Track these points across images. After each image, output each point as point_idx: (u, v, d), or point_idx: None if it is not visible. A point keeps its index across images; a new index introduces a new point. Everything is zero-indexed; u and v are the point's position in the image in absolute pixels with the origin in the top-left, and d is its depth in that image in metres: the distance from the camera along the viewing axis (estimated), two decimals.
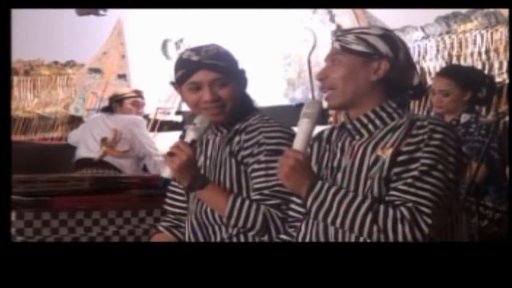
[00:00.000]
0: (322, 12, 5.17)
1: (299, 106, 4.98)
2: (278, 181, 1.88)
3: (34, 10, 6.08)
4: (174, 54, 5.89)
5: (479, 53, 4.37)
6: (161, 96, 5.92)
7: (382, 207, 1.75)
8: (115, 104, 5.07)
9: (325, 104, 1.95)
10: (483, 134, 3.25)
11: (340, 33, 1.92)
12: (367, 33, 1.88)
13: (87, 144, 4.95)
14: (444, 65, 4.42)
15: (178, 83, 2.16)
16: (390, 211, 1.74)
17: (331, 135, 1.97)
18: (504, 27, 4.25)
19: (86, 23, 6.48)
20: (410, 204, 1.73)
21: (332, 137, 1.96)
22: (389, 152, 1.80)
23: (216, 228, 2.14)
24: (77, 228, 2.91)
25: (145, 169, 4.98)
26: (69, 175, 3.55)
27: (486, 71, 4.19)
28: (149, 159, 4.93)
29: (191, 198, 2.23)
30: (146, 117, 5.42)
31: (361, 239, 1.78)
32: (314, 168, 1.95)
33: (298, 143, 1.83)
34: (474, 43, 4.40)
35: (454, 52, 4.49)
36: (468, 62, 4.36)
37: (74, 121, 6.60)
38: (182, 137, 2.28)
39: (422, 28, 4.63)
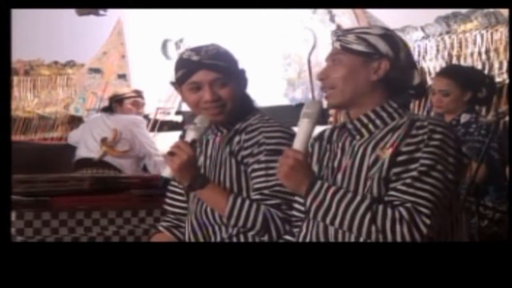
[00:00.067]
0: (322, 12, 5.17)
1: (299, 106, 4.98)
2: (278, 181, 1.88)
3: (34, 10, 6.08)
4: (174, 54, 5.89)
5: (479, 53, 4.37)
6: (161, 96, 5.92)
7: (381, 207, 1.75)
8: (115, 104, 5.07)
9: (325, 104, 1.95)
10: (483, 134, 3.25)
11: (341, 33, 1.92)
12: (368, 33, 1.88)
13: (87, 144, 4.95)
14: (444, 65, 4.42)
15: (178, 83, 2.16)
16: (389, 211, 1.74)
17: (332, 135, 1.98)
18: (504, 27, 4.25)
19: (86, 23, 6.48)
20: (408, 205, 1.73)
21: (333, 137, 1.97)
22: (388, 152, 1.80)
23: (216, 228, 2.14)
24: (77, 228, 2.91)
25: (145, 169, 4.97)
26: (69, 175, 3.55)
27: (486, 71, 4.19)
28: (149, 159, 4.93)
29: (191, 198, 2.23)
30: (146, 117, 5.42)
31: (361, 239, 1.78)
32: (315, 167, 1.95)
33: (298, 143, 1.83)
34: (474, 43, 4.40)
35: (454, 52, 4.49)
36: (468, 62, 4.36)
37: (74, 121, 6.60)
38: (182, 137, 2.28)
39: (422, 28, 4.63)
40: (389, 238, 1.73)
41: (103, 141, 4.85)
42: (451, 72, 3.53)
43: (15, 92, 6.93)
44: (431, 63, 4.57)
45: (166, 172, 2.04)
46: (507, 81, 4.17)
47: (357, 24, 4.73)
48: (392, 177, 1.78)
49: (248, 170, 2.10)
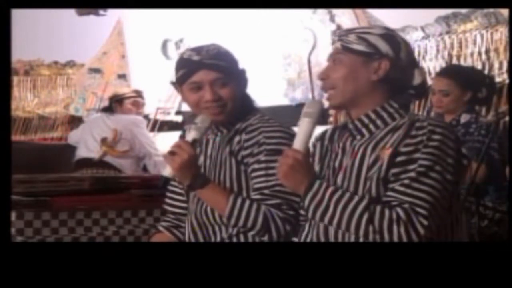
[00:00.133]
0: (322, 12, 5.17)
1: (299, 106, 5.01)
2: (278, 181, 1.88)
3: (34, 10, 6.08)
4: (174, 54, 5.89)
5: (479, 53, 4.37)
6: (161, 96, 5.92)
7: (378, 208, 1.75)
8: (115, 104, 5.06)
9: (326, 104, 1.95)
10: (483, 134, 3.25)
11: (342, 33, 1.92)
12: (369, 33, 1.88)
13: (87, 144, 4.95)
14: (444, 65, 4.42)
15: (178, 83, 2.16)
16: (386, 211, 1.74)
17: (334, 134, 1.98)
18: (504, 27, 4.26)
19: (86, 23, 6.48)
20: (406, 205, 1.73)
21: (334, 137, 1.97)
22: (388, 152, 1.80)
23: (216, 228, 2.14)
24: (77, 228, 2.91)
25: (145, 169, 4.97)
26: (69, 175, 3.55)
27: (486, 71, 4.19)
28: (149, 159, 4.93)
29: (191, 198, 2.23)
30: (146, 117, 5.42)
31: (360, 239, 1.78)
32: (317, 167, 1.95)
33: (298, 143, 1.83)
34: (474, 43, 4.41)
35: (454, 52, 4.50)
36: (468, 62, 4.37)
37: (74, 121, 6.60)
38: (182, 136, 2.29)
39: (422, 28, 4.63)
40: (386, 238, 1.73)
41: (103, 141, 4.85)
42: (451, 72, 3.53)
43: (15, 92, 6.93)
44: (431, 63, 4.57)
45: (167, 171, 2.04)
46: (507, 81, 4.17)
47: (357, 24, 4.73)
48: (390, 178, 1.78)
49: (248, 170, 2.10)
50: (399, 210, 1.73)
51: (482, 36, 4.37)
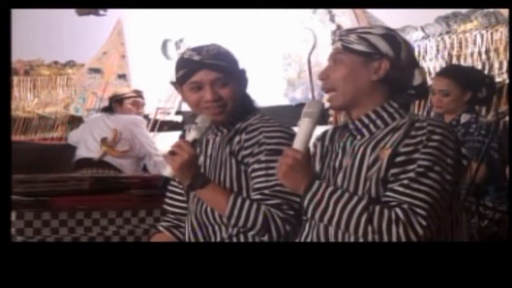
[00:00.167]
0: (322, 12, 5.17)
1: (299, 106, 5.01)
2: (279, 181, 1.88)
3: (34, 10, 6.08)
4: (174, 54, 5.89)
5: (479, 53, 4.37)
6: (161, 96, 5.92)
7: (377, 208, 1.75)
8: (115, 104, 5.06)
9: (326, 104, 1.95)
10: (483, 134, 3.25)
11: (343, 33, 1.92)
12: (369, 33, 1.88)
13: (87, 144, 4.95)
14: (444, 65, 4.42)
15: (179, 83, 2.16)
16: (385, 212, 1.74)
17: (334, 135, 1.98)
18: (504, 27, 4.26)
19: (86, 23, 6.48)
20: (405, 206, 1.73)
21: (335, 137, 1.97)
22: (387, 152, 1.80)
23: (216, 227, 2.14)
24: (77, 228, 2.91)
25: (145, 169, 4.97)
26: (69, 175, 3.55)
27: (486, 71, 4.20)
28: (149, 159, 4.93)
29: (191, 198, 2.23)
30: (146, 117, 5.41)
31: (360, 240, 1.78)
32: (317, 167, 1.95)
33: (298, 143, 1.84)
34: (474, 43, 4.41)
35: (454, 52, 4.50)
36: (468, 62, 4.37)
37: (74, 121, 6.60)
38: (182, 136, 2.29)
39: (422, 28, 4.63)
40: (385, 238, 1.73)
41: (103, 141, 4.85)
42: (451, 72, 3.53)
43: (15, 92, 6.93)
44: (431, 63, 4.57)
45: (167, 171, 2.04)
46: (507, 81, 4.17)
47: (357, 24, 4.73)
48: (390, 178, 1.78)
49: (249, 170, 2.10)
50: (398, 210, 1.73)
51: (482, 36, 4.37)
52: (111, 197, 3.04)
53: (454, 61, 4.46)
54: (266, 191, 2.05)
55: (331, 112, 4.71)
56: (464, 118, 3.39)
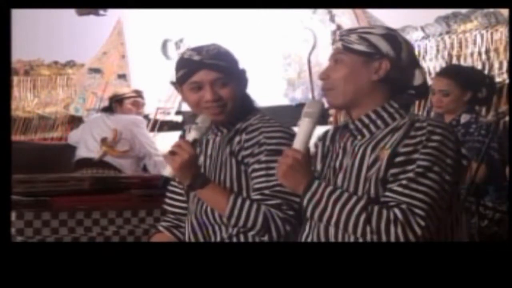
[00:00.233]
0: (322, 12, 5.18)
1: (299, 106, 5.01)
2: (279, 181, 1.88)
3: (34, 10, 6.08)
4: (174, 54, 5.89)
5: (479, 53, 4.37)
6: (161, 96, 5.92)
7: (376, 208, 1.75)
8: (115, 104, 5.06)
9: (326, 104, 1.95)
10: (483, 134, 3.25)
11: (344, 33, 1.92)
12: (370, 33, 1.88)
13: (87, 144, 4.95)
14: (444, 65, 4.42)
15: (179, 83, 2.16)
16: (384, 212, 1.74)
17: (335, 135, 1.98)
18: (504, 27, 4.26)
19: (86, 23, 6.48)
20: (404, 206, 1.73)
21: (335, 137, 1.97)
22: (387, 152, 1.80)
23: (216, 227, 2.14)
24: (77, 228, 2.91)
25: (145, 169, 4.97)
26: (69, 175, 3.55)
27: (486, 71, 4.20)
28: (149, 159, 4.93)
29: (191, 198, 2.23)
30: (146, 117, 5.41)
31: (359, 240, 1.78)
32: (318, 167, 1.95)
33: (298, 143, 1.84)
34: (474, 43, 4.41)
35: (454, 52, 4.50)
36: (468, 62, 4.37)
37: (74, 121, 6.60)
38: (182, 136, 2.29)
39: (422, 28, 4.63)
40: (384, 238, 1.73)
41: (103, 141, 4.85)
42: (451, 72, 3.52)
43: (15, 92, 6.93)
44: (431, 63, 4.57)
45: (167, 171, 2.04)
46: (507, 81, 4.18)
47: (357, 24, 4.73)
48: (389, 178, 1.78)
49: (249, 170, 2.10)
50: (396, 210, 1.73)
51: (482, 36, 4.37)
52: (111, 197, 3.04)
53: (454, 61, 4.46)
54: (266, 191, 2.05)
55: (331, 112, 4.71)
56: (464, 118, 3.38)
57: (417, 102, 4.36)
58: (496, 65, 4.29)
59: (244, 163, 2.12)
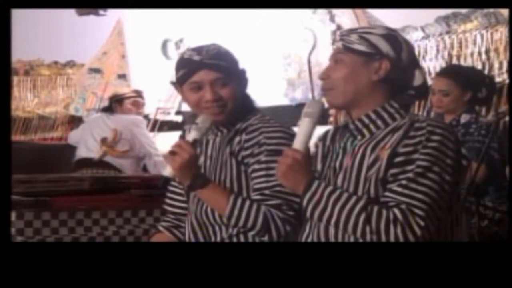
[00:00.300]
0: (322, 12, 5.18)
1: (299, 106, 5.01)
2: (279, 181, 1.88)
3: (34, 10, 6.08)
4: (174, 54, 5.89)
5: (479, 53, 4.37)
6: (161, 96, 5.92)
7: (376, 208, 1.75)
8: (115, 104, 5.06)
9: (326, 104, 1.95)
10: (483, 134, 3.25)
11: (344, 33, 1.92)
12: (370, 33, 1.88)
13: (87, 144, 4.95)
14: (444, 65, 4.42)
15: (179, 83, 2.16)
16: (384, 212, 1.74)
17: (335, 135, 1.98)
18: (504, 27, 4.26)
19: (86, 23, 6.48)
20: (403, 206, 1.73)
21: (336, 137, 1.97)
22: (387, 153, 1.80)
23: (216, 228, 2.14)
24: (77, 228, 2.91)
25: (145, 169, 4.97)
26: (69, 175, 3.55)
27: (486, 71, 4.20)
28: (149, 159, 4.93)
29: (191, 198, 2.23)
30: (146, 117, 5.42)
31: (359, 240, 1.78)
32: (319, 167, 1.95)
33: (298, 143, 1.84)
34: (474, 43, 4.41)
35: (454, 52, 4.50)
36: (468, 62, 4.37)
37: (74, 121, 6.61)
38: (182, 137, 2.29)
39: (422, 28, 4.63)
40: (383, 239, 1.73)
41: (103, 141, 4.85)
42: (451, 72, 3.52)
43: (15, 92, 6.93)
44: (431, 63, 4.57)
45: (167, 171, 2.04)
46: (507, 81, 4.18)
47: (357, 24, 4.73)
48: (389, 178, 1.78)
49: (249, 170, 2.10)
50: (396, 210, 1.73)
51: (482, 36, 4.37)
52: (111, 197, 3.04)
53: (454, 61, 4.46)
54: (266, 192, 2.05)
55: (331, 112, 4.71)
56: (464, 118, 3.39)
57: (417, 102, 4.36)
58: (496, 65, 4.29)
59: (244, 163, 2.12)
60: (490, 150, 3.14)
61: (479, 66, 4.27)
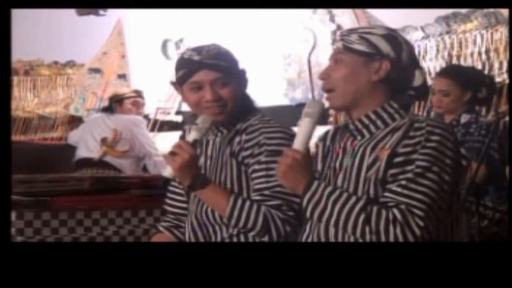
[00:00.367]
0: (322, 12, 5.18)
1: (299, 106, 5.01)
2: (279, 182, 1.88)
3: (34, 10, 6.08)
4: (174, 54, 5.89)
5: (479, 53, 4.37)
6: (161, 96, 5.92)
7: (375, 208, 1.75)
8: (115, 104, 5.06)
9: (326, 104, 1.95)
10: (483, 134, 3.25)
11: (344, 33, 1.92)
12: (370, 33, 1.88)
13: (87, 144, 4.95)
14: (444, 65, 4.42)
15: (179, 83, 2.16)
16: (383, 212, 1.74)
17: (335, 135, 1.98)
18: (504, 27, 4.26)
19: (86, 23, 6.48)
20: (402, 206, 1.73)
21: (336, 137, 1.97)
22: (386, 153, 1.80)
23: (217, 228, 2.14)
24: (77, 228, 2.91)
25: (145, 169, 4.97)
26: (69, 175, 3.55)
27: (486, 71, 4.20)
28: (149, 159, 4.93)
29: (191, 198, 2.23)
30: (146, 117, 5.42)
31: (358, 240, 1.78)
32: (319, 167, 1.95)
33: (298, 143, 1.84)
34: (474, 43, 4.41)
35: (454, 52, 4.50)
36: (468, 62, 4.37)
37: (74, 121, 6.60)
38: (182, 137, 2.29)
39: (422, 28, 4.63)
40: (383, 239, 1.73)
41: (103, 141, 4.85)
42: (451, 72, 3.52)
43: (15, 92, 6.93)
44: (431, 63, 4.57)
45: (167, 171, 2.04)
46: (507, 81, 4.18)
47: (357, 24, 4.73)
48: (388, 178, 1.78)
49: (249, 170, 2.10)
50: (395, 211, 1.73)
51: (482, 36, 4.37)
52: (111, 197, 3.04)
53: (454, 61, 4.46)
54: (266, 192, 2.05)
55: (331, 112, 4.71)
56: (464, 118, 3.39)
57: (417, 102, 4.36)
58: (496, 65, 4.29)
59: (244, 164, 2.12)
60: (490, 150, 3.14)
61: (479, 66, 4.27)
